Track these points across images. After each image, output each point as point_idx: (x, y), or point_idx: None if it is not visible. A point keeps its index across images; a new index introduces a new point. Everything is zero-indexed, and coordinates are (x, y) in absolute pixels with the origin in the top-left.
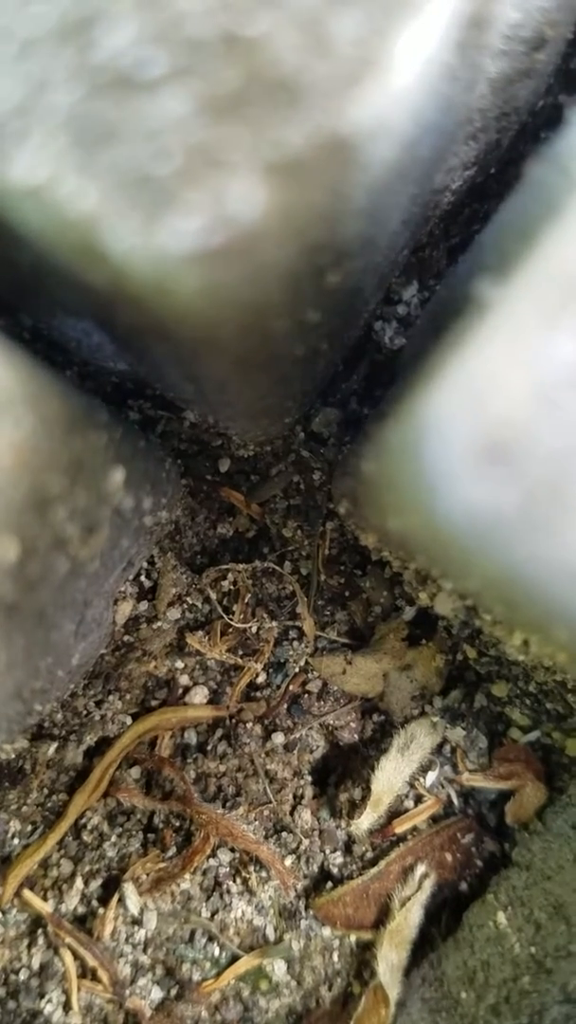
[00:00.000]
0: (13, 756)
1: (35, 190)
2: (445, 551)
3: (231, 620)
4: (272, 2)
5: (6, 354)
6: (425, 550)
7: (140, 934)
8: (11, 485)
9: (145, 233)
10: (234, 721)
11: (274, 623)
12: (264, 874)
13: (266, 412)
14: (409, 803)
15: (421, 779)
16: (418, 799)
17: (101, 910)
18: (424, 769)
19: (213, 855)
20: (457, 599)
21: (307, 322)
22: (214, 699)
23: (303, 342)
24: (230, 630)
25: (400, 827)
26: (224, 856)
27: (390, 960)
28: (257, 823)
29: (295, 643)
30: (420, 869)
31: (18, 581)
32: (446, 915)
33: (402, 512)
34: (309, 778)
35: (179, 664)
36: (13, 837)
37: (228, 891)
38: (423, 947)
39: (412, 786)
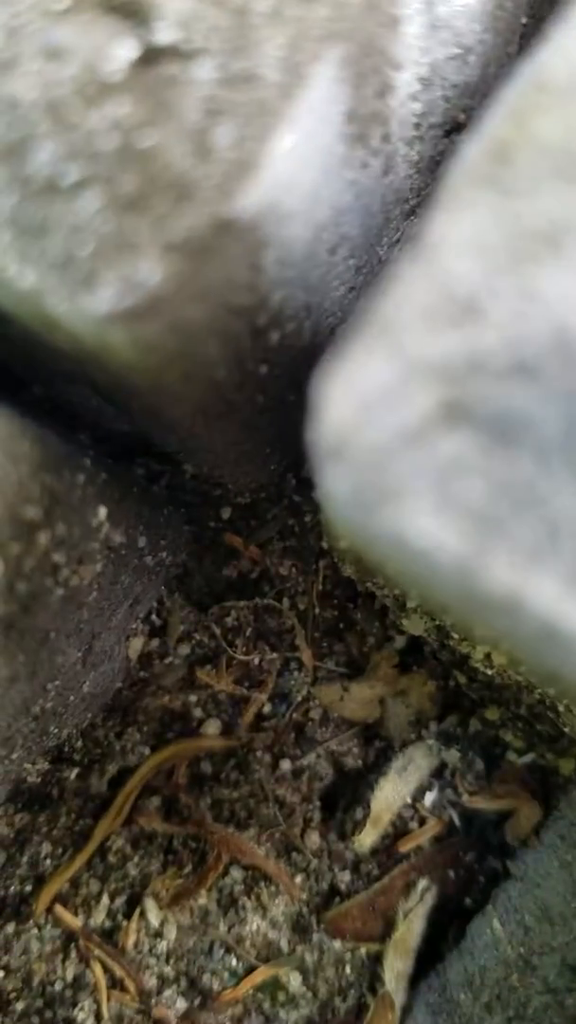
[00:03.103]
0: (39, 780)
1: None
2: (383, 572)
3: (235, 653)
4: (160, 119)
5: None
6: (375, 571)
7: (162, 945)
8: None
9: (75, 301)
10: (245, 750)
11: (275, 654)
12: (274, 889)
13: (246, 458)
14: (414, 825)
15: (421, 800)
16: (422, 821)
17: (125, 923)
18: (423, 790)
19: (226, 873)
20: (427, 619)
21: (257, 374)
22: (227, 730)
23: (261, 392)
24: (235, 662)
25: (404, 847)
26: (237, 874)
27: (396, 968)
28: (269, 845)
29: (296, 673)
30: (422, 883)
31: (9, 598)
32: (453, 931)
33: (339, 537)
34: (318, 803)
35: (192, 698)
36: (45, 858)
37: (243, 907)
38: (432, 961)
39: (415, 808)
